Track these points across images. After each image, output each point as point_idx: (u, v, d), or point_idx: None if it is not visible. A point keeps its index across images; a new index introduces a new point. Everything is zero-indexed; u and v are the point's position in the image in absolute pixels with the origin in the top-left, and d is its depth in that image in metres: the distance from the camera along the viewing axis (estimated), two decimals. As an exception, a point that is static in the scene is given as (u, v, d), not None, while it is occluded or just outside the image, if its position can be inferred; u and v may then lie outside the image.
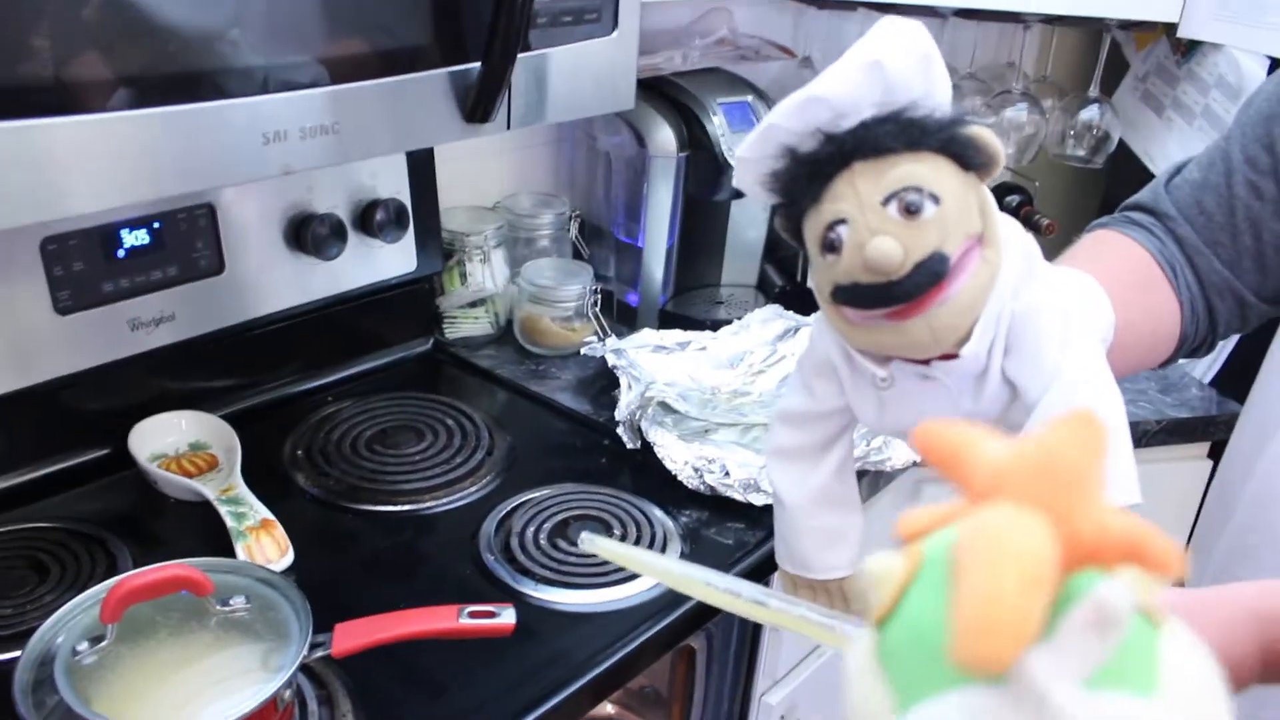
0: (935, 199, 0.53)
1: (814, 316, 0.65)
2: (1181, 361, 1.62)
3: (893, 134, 0.53)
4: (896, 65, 0.54)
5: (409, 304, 1.38)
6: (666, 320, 1.51)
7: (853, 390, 0.65)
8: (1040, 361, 0.59)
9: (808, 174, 0.55)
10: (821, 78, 0.55)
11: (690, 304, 1.56)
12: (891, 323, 0.55)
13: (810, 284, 0.59)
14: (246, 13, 0.77)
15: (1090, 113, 1.80)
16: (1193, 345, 0.85)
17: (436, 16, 0.90)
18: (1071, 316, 0.61)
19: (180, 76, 0.75)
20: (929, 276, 0.53)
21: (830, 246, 0.54)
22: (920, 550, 0.33)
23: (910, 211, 0.53)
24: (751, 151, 0.57)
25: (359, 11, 0.85)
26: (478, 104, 0.92)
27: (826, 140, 0.54)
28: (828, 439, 0.70)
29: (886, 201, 0.53)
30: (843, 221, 0.54)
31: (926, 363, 0.60)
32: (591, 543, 0.69)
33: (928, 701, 0.30)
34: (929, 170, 0.53)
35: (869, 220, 0.53)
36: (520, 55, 0.92)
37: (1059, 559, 0.29)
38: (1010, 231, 0.58)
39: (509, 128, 0.96)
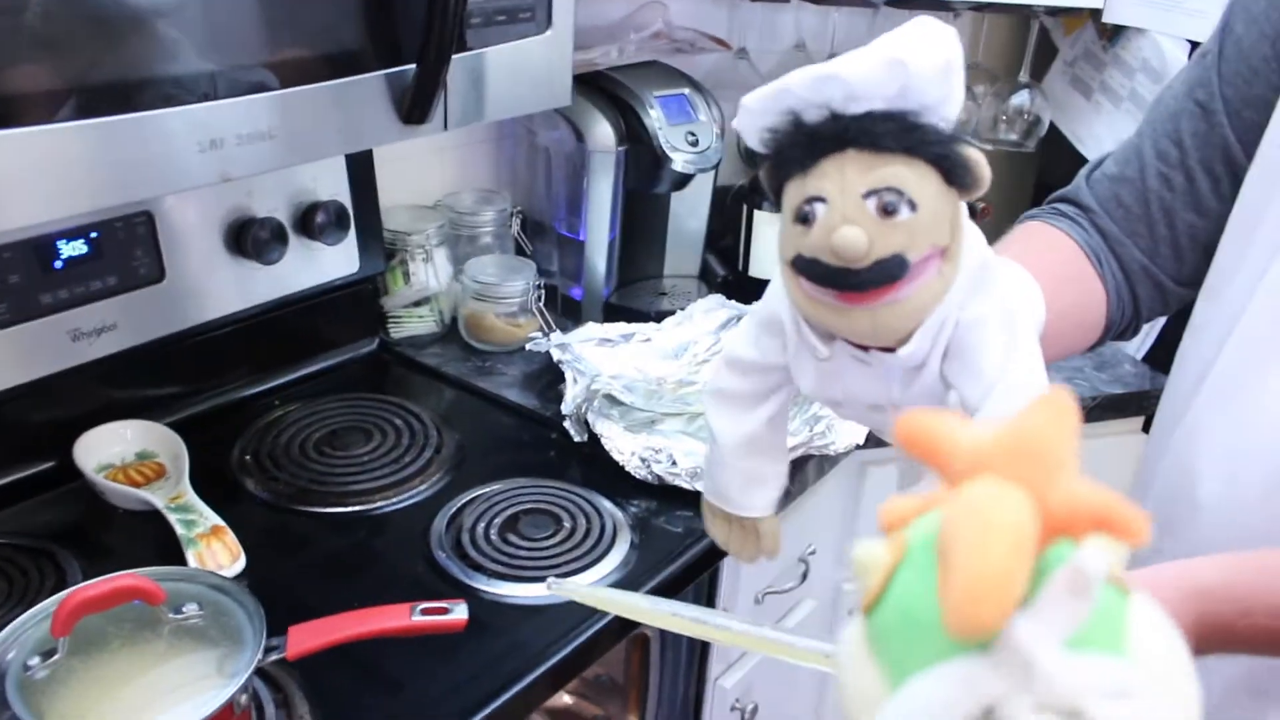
0: (913, 205, 0.55)
1: (775, 274, 0.67)
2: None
3: (894, 134, 0.55)
4: (919, 67, 0.55)
5: (353, 305, 1.38)
6: (611, 313, 1.52)
7: (794, 354, 0.67)
8: (980, 372, 0.62)
9: (804, 143, 0.56)
10: (846, 59, 0.56)
11: (634, 296, 1.58)
12: (839, 304, 0.57)
13: (777, 245, 0.61)
14: (180, 20, 0.77)
15: (1021, 98, 1.84)
16: (1118, 330, 0.89)
17: (370, 20, 0.90)
18: (1017, 325, 0.63)
19: (114, 86, 0.75)
20: (885, 275, 0.55)
21: (803, 218, 0.56)
22: (903, 537, 0.35)
23: (886, 211, 0.54)
24: (759, 104, 0.58)
25: (294, 17, 0.85)
26: (414, 105, 0.92)
27: (832, 118, 0.56)
28: (766, 390, 0.72)
29: (867, 195, 0.54)
30: (821, 200, 0.55)
31: (866, 348, 0.62)
32: (559, 586, 0.71)
33: (918, 676, 0.32)
34: (915, 177, 0.55)
35: (846, 207, 0.55)
36: (455, 56, 0.93)
37: (1038, 530, 0.31)
38: (972, 242, 0.60)
39: (446, 128, 0.97)
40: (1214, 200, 0.83)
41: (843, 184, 0.55)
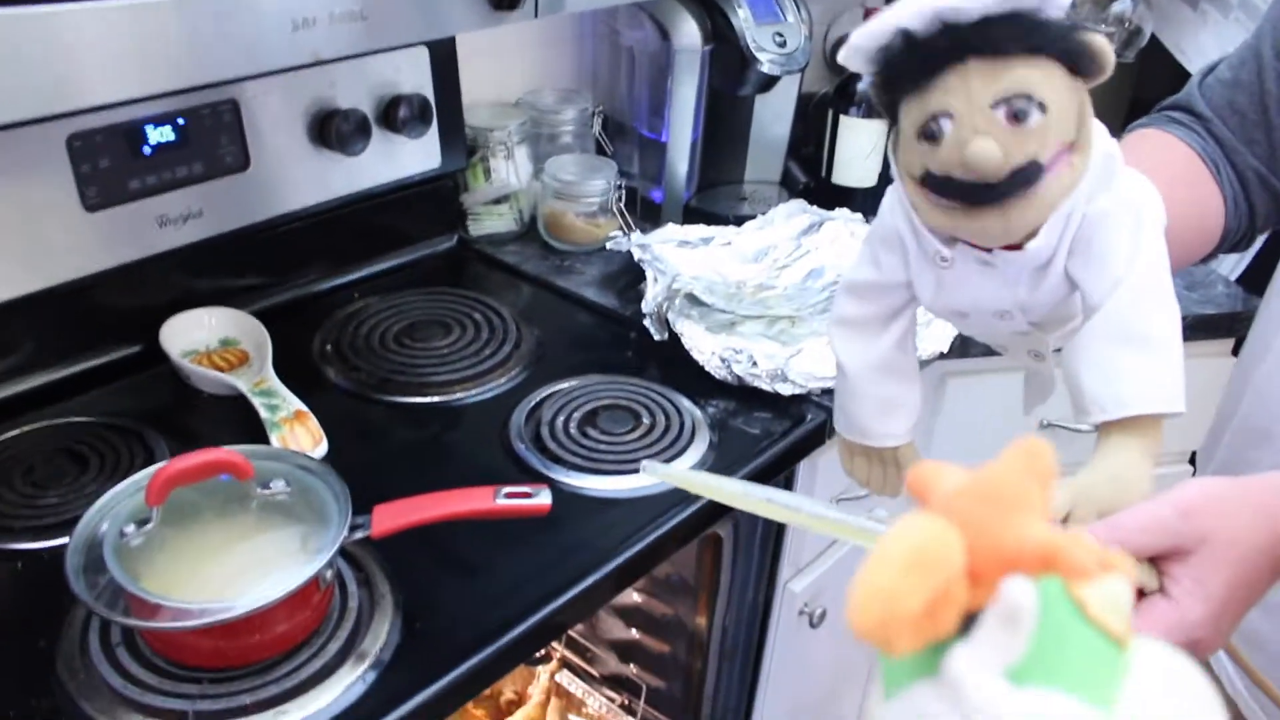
0: (1042, 108, 0.54)
1: (888, 189, 0.66)
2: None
3: (1014, 36, 0.53)
4: None
5: (433, 201, 1.37)
6: (691, 216, 1.50)
7: (916, 266, 0.66)
8: (1106, 267, 0.60)
9: (920, 60, 0.55)
10: None
11: (714, 200, 1.56)
12: (968, 209, 0.56)
13: (892, 158, 0.60)
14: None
15: (1122, 5, 1.76)
16: (1234, 239, 0.86)
17: (461, -100, 0.88)
18: (1144, 225, 0.62)
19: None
20: (1022, 183, 0.55)
21: (930, 135, 0.55)
22: None
23: (1016, 118, 0.53)
24: (867, 40, 0.57)
25: (382, -105, 0.84)
26: (507, -11, 0.91)
27: (945, 30, 0.54)
28: (891, 311, 0.71)
29: (995, 105, 0.53)
30: (948, 114, 0.54)
31: (989, 249, 0.61)
32: (652, 469, 0.71)
33: (895, 695, 0.35)
34: (1041, 77, 0.54)
35: (976, 120, 0.54)
36: (546, -59, 0.91)
37: (960, 560, 0.33)
38: (1097, 134, 0.59)
39: (536, 15, 0.95)
40: None
41: (969, 96, 0.54)
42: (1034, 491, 0.34)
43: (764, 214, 1.42)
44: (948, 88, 0.54)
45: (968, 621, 0.33)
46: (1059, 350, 0.66)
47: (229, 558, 0.76)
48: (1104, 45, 0.55)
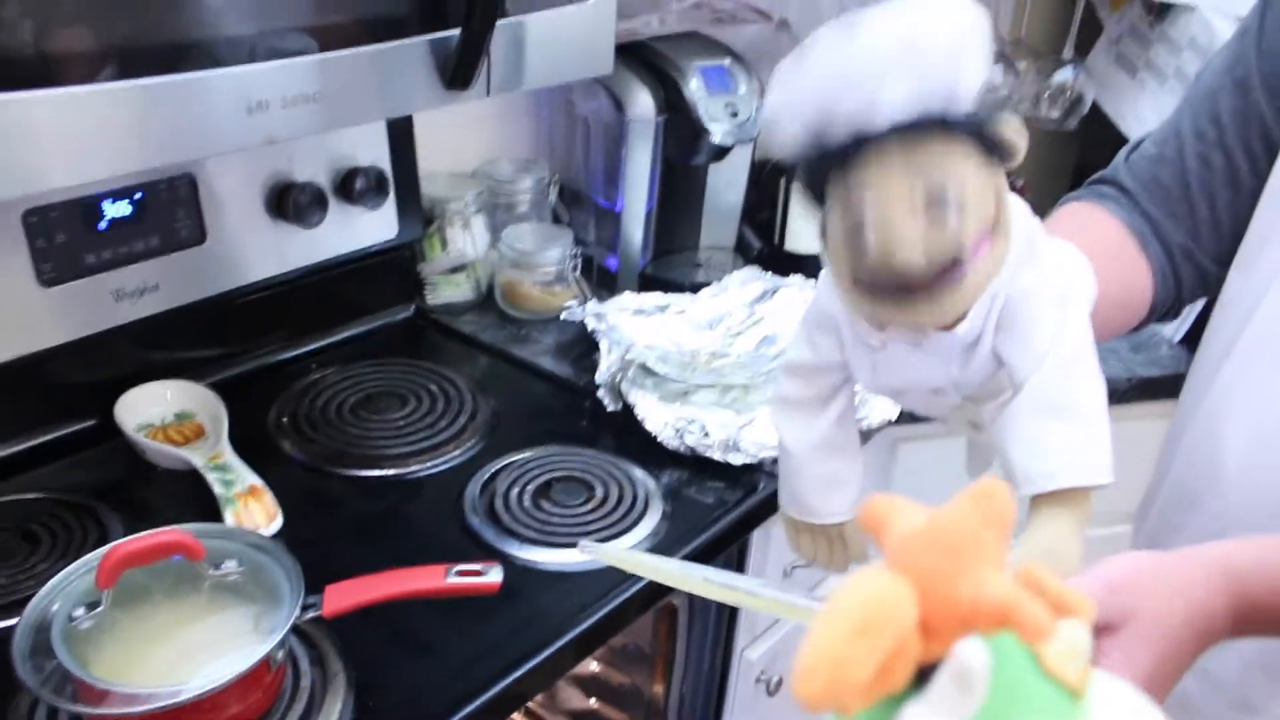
0: (960, 194, 0.55)
1: (822, 273, 0.67)
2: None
3: (926, 137, 0.54)
4: (934, 47, 0.54)
5: (390, 271, 1.38)
6: (646, 283, 1.52)
7: (851, 349, 0.68)
8: (1031, 344, 0.62)
9: (837, 162, 0.56)
10: (853, 56, 0.55)
11: (669, 267, 1.58)
12: (899, 304, 0.58)
13: (822, 253, 0.61)
14: (226, -16, 0.78)
15: (1064, 75, 1.82)
16: (1162, 311, 0.88)
17: (415, -15, 0.90)
18: (1068, 301, 0.64)
19: (162, 47, 0.76)
20: (947, 281, 0.56)
21: (853, 242, 0.56)
22: None
23: (937, 216, 0.54)
24: (782, 108, 0.57)
25: (337, -19, 0.86)
26: (458, 71, 0.92)
27: (858, 143, 0.55)
28: (829, 390, 0.73)
29: (914, 194, 0.54)
30: (869, 223, 0.55)
31: (920, 332, 0.62)
32: (592, 549, 0.72)
33: None
34: (957, 174, 0.55)
35: (898, 229, 0.54)
36: (499, 22, 0.93)
37: (912, 618, 0.32)
38: (1018, 214, 0.60)
39: (489, 94, 0.97)
40: (1252, 179, 0.83)
41: (887, 192, 0.54)
42: (989, 539, 0.33)
43: (718, 280, 1.43)
44: (866, 184, 0.55)
45: (922, 672, 0.33)
46: None
47: (179, 640, 0.76)
48: (1015, 134, 0.56)
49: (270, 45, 0.80)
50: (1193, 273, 0.86)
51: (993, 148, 0.56)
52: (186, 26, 0.77)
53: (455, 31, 0.92)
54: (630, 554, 0.76)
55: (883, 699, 0.32)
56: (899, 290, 0.56)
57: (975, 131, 0.55)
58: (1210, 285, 0.88)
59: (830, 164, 0.56)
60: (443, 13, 0.91)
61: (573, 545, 0.98)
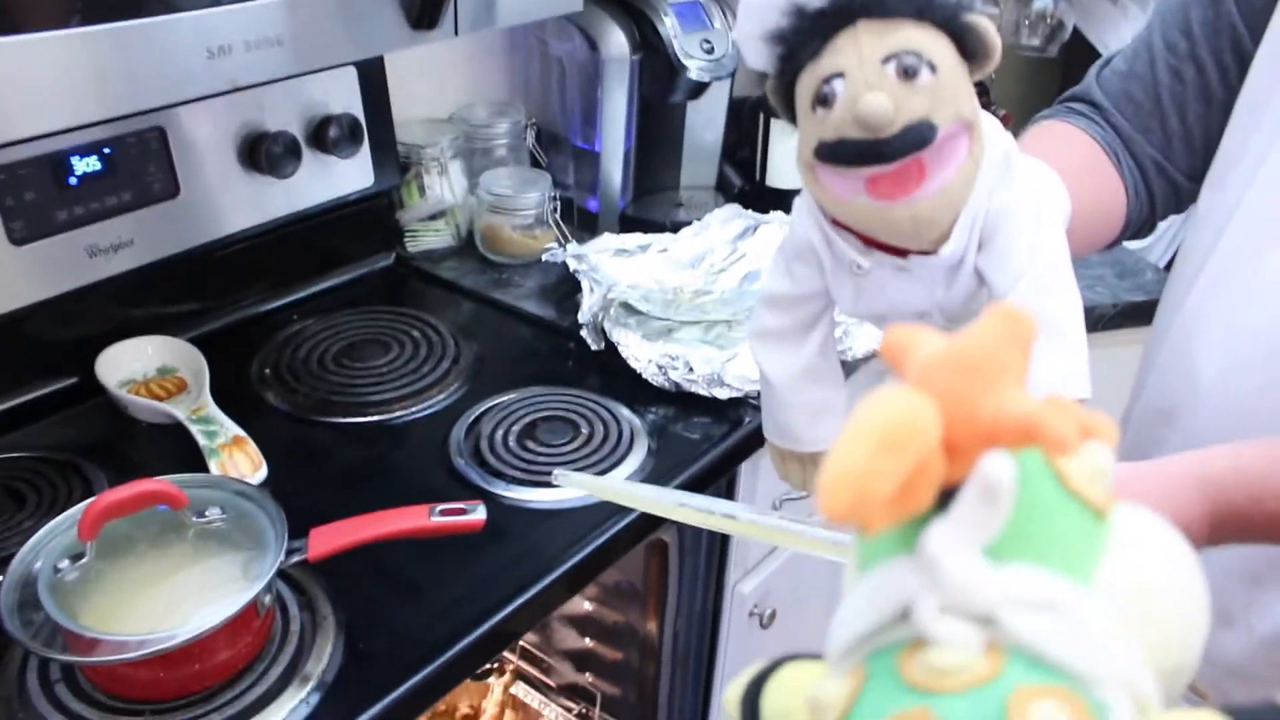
0: (932, 67, 0.54)
1: (795, 201, 0.66)
2: (1136, 246, 1.65)
3: (903, 2, 0.54)
4: None
5: (369, 219, 1.38)
6: (627, 224, 1.51)
7: (831, 275, 0.67)
8: (1010, 260, 0.62)
9: (813, 27, 0.56)
10: None
11: (650, 207, 1.57)
12: (874, 202, 0.57)
13: (797, 163, 0.60)
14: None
15: (1044, 2, 1.80)
16: (1136, 227, 0.88)
17: (375, -78, 0.89)
18: (1042, 218, 0.63)
19: (118, -8, 0.74)
20: (915, 139, 0.55)
21: (823, 100, 0.56)
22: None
23: (907, 74, 0.54)
24: (756, 22, 0.58)
25: (297, -80, 0.84)
26: (424, 10, 0.91)
27: (835, 1, 0.55)
28: (810, 320, 0.73)
29: (886, 61, 0.54)
30: (839, 75, 0.55)
31: (904, 255, 0.62)
32: (565, 478, 0.72)
33: (870, 570, 0.34)
34: (931, 40, 0.55)
35: (866, 75, 0.54)
36: (463, -41, 0.92)
37: (936, 434, 0.30)
38: (991, 129, 0.60)
39: (456, 34, 0.96)
40: (1223, 91, 0.82)
41: (859, 53, 0.54)
42: (1014, 358, 0.32)
43: (699, 220, 1.43)
44: (838, 49, 0.55)
45: (945, 495, 0.32)
46: None
47: (166, 588, 0.76)
48: (989, 28, 0.56)
49: (229, -14, 0.79)
50: (1165, 187, 0.86)
51: (965, 43, 0.56)
52: (143, -30, 0.76)
53: (419, -32, 0.90)
54: (602, 481, 0.76)
55: (907, 520, 0.31)
56: (864, 152, 0.55)
57: (948, 18, 0.55)
58: (1183, 200, 0.88)
59: (806, 39, 0.56)
60: (406, -51, 0.90)
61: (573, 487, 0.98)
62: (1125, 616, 0.32)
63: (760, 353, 0.75)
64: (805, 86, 0.57)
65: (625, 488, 0.73)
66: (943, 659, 0.30)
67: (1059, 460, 0.33)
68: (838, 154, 0.56)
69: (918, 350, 0.33)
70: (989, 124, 0.60)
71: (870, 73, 0.54)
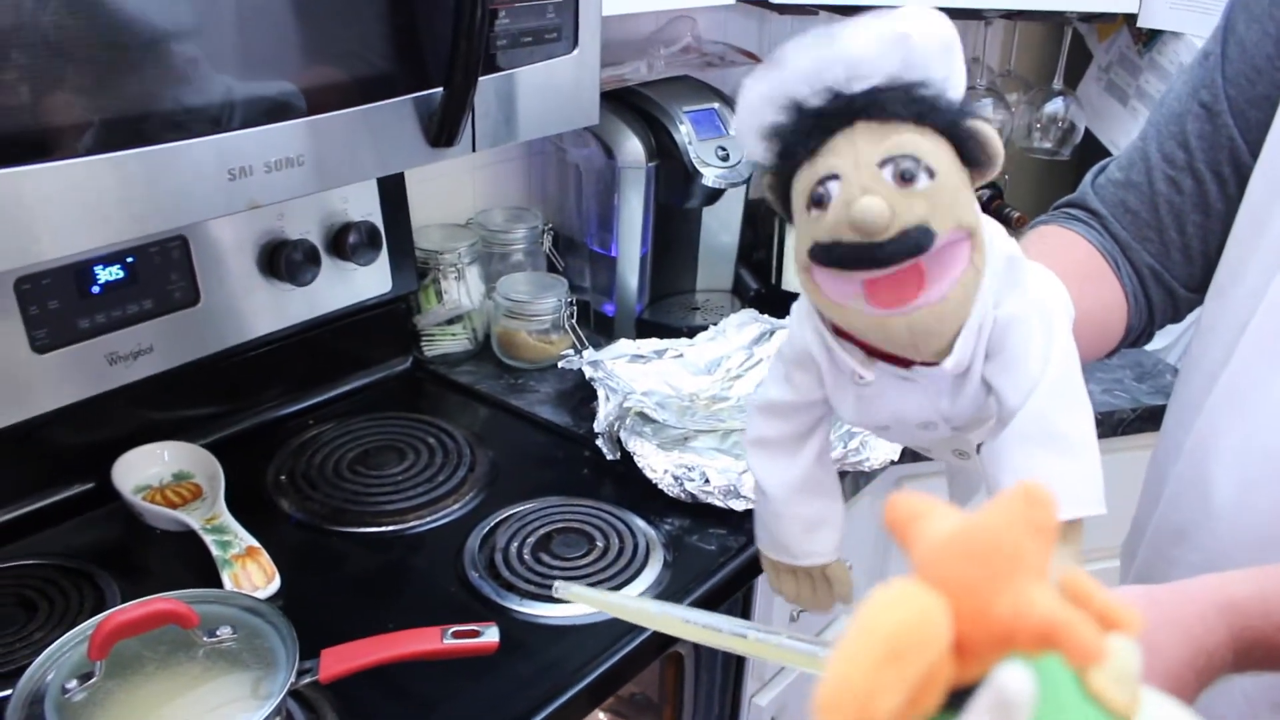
0: (930, 172, 0.53)
1: (794, 306, 0.65)
2: (1156, 349, 1.65)
3: (903, 102, 0.53)
4: (922, 43, 0.54)
5: (386, 324, 1.38)
6: (643, 329, 1.52)
7: (832, 384, 0.66)
8: (1021, 371, 0.61)
9: (810, 126, 0.54)
10: (843, 37, 0.54)
11: (666, 311, 1.58)
12: (871, 309, 0.56)
13: (791, 255, 0.59)
14: (204, 47, 0.78)
15: (1055, 105, 1.83)
16: (1135, 335, 0.88)
17: (397, 44, 0.91)
18: (1055, 328, 0.62)
19: (142, 117, 0.76)
20: (912, 245, 0.53)
21: (818, 201, 0.54)
22: None
23: (904, 178, 0.53)
24: (759, 92, 0.56)
25: (320, 42, 0.86)
26: (442, 128, 0.93)
27: (835, 97, 0.54)
28: (807, 429, 0.71)
29: (883, 164, 0.53)
30: (835, 177, 0.53)
31: (908, 365, 0.61)
32: (567, 590, 0.71)
33: None
34: (929, 145, 0.53)
35: (862, 178, 0.53)
36: (482, 78, 0.94)
37: (946, 640, 0.28)
38: (995, 235, 0.59)
39: (474, 150, 0.97)
40: (1221, 202, 0.82)
41: (855, 157, 0.53)
42: (1031, 548, 0.30)
43: (715, 324, 1.43)
44: (835, 150, 0.54)
45: (954, 696, 0.29)
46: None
47: (174, 710, 0.75)
48: (991, 134, 0.55)
49: (250, 110, 0.80)
50: (1163, 296, 0.86)
51: (966, 149, 0.55)
52: (166, 95, 0.77)
53: (439, 90, 0.92)
54: (604, 595, 0.74)
55: None
56: (858, 255, 0.53)
57: (949, 122, 0.54)
58: (1180, 310, 0.88)
59: (805, 138, 0.55)
60: (425, 71, 0.92)
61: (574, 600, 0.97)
62: None
63: (755, 461, 0.74)
64: (801, 185, 0.56)
65: (630, 603, 0.71)
66: None
67: (1081, 666, 0.30)
68: (832, 257, 0.54)
69: (926, 527, 0.31)
70: (992, 229, 0.59)
71: (866, 176, 0.53)
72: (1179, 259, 0.86)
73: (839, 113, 0.54)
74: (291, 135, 0.83)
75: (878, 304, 0.55)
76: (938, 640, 0.28)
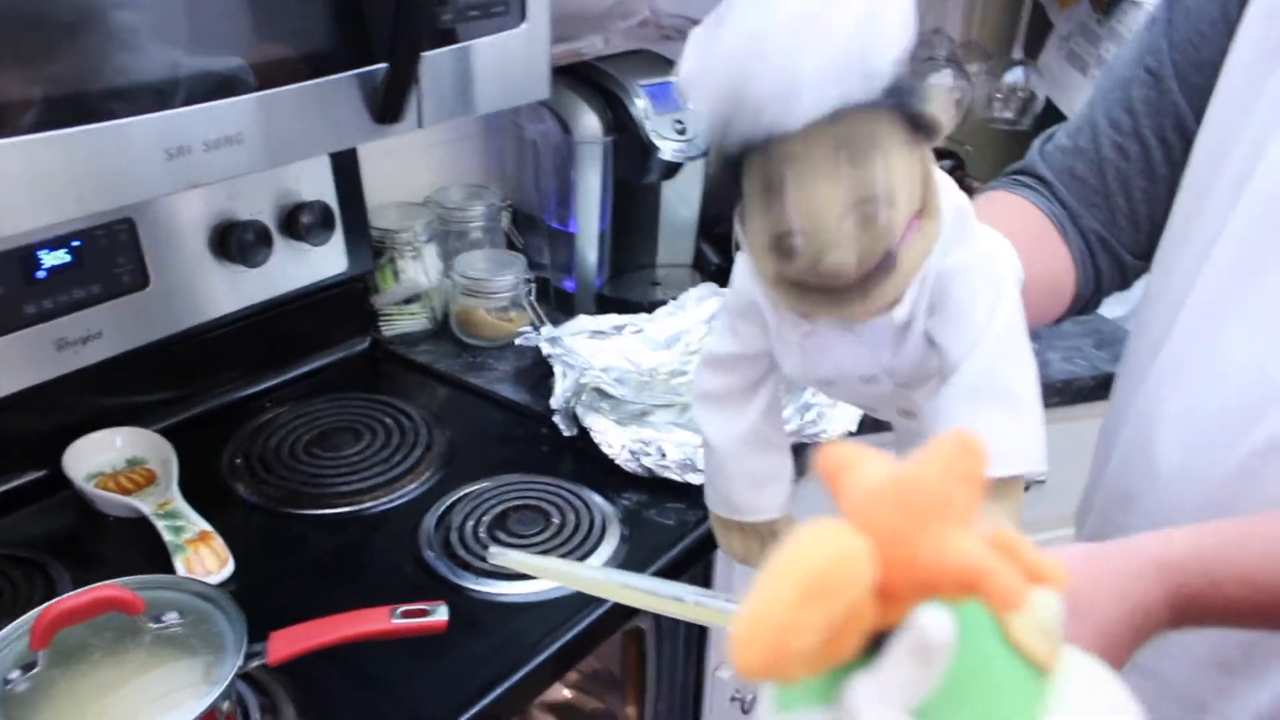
0: (891, 202, 0.52)
1: (738, 257, 0.64)
2: (1117, 317, 1.65)
3: (847, 141, 0.51)
4: (879, 55, 0.51)
5: (343, 304, 1.37)
6: (604, 304, 1.51)
7: (776, 337, 0.65)
8: (966, 325, 0.60)
9: (760, 177, 0.53)
10: (796, 62, 0.50)
11: (627, 287, 1.57)
12: (827, 300, 0.55)
13: (744, 246, 0.58)
14: (141, 24, 0.77)
15: (1015, 75, 1.83)
16: (1083, 302, 0.88)
17: (338, 19, 0.89)
18: (1000, 283, 0.61)
19: (75, 96, 0.74)
20: (879, 279, 0.54)
21: (784, 252, 0.53)
22: None
23: (866, 214, 0.52)
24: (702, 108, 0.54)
25: (261, 19, 0.85)
26: (387, 104, 0.91)
27: (779, 141, 0.51)
28: (754, 382, 0.70)
29: (843, 216, 0.52)
30: (797, 231, 0.52)
31: None
32: (502, 556, 0.70)
33: (789, 714, 0.31)
34: (884, 171, 0.52)
35: (827, 234, 0.52)
36: (427, 53, 0.93)
37: (868, 582, 0.28)
38: (946, 188, 0.58)
39: (421, 125, 0.96)
40: (1166, 168, 0.83)
41: (815, 211, 0.51)
42: (960, 496, 0.30)
43: (675, 299, 1.43)
44: (791, 202, 0.51)
45: (874, 641, 0.29)
46: None
47: (123, 696, 0.74)
48: (940, 106, 0.53)
49: (188, 88, 0.79)
50: (1111, 263, 0.86)
51: (917, 124, 0.53)
52: (100, 73, 0.76)
53: (383, 65, 0.91)
54: (540, 560, 0.73)
55: (830, 669, 0.29)
56: (830, 292, 0.54)
57: (898, 110, 0.52)
58: (1128, 277, 0.88)
59: (745, 155, 0.53)
60: (368, 46, 0.90)
61: (529, 577, 0.97)
62: None
63: (702, 416, 0.73)
64: (755, 219, 0.54)
65: (566, 568, 0.71)
66: None
67: (1003, 615, 0.30)
68: (805, 294, 0.55)
69: (857, 475, 0.31)
70: (942, 181, 0.58)
71: (831, 232, 0.52)
72: (1126, 226, 0.86)
73: (789, 166, 0.51)
74: (231, 113, 0.82)
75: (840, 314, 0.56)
76: (858, 581, 0.28)
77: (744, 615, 0.27)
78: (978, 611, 0.30)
